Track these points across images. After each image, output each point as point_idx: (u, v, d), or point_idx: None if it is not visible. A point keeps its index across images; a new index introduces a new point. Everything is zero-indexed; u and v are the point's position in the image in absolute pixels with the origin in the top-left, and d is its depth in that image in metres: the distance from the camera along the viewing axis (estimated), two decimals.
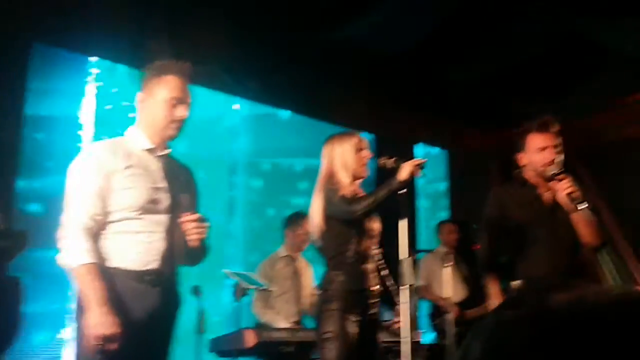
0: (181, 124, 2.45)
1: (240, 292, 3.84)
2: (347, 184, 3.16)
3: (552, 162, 3.09)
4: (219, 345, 4.13)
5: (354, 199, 3.07)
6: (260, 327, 4.41)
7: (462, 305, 5.52)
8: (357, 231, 3.14)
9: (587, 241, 3.11)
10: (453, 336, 4.67)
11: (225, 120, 6.35)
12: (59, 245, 2.26)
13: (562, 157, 3.13)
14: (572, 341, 0.68)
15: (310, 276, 4.83)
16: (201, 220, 2.40)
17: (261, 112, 6.60)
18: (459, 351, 0.75)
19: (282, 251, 4.82)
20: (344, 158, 3.19)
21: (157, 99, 2.41)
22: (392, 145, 6.16)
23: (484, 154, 7.93)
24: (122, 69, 5.29)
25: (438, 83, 6.79)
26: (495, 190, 3.34)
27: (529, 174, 3.23)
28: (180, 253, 2.45)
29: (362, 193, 3.26)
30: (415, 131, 7.45)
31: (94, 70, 5.29)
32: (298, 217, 4.76)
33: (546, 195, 3.17)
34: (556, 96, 6.72)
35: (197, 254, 2.51)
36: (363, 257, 3.17)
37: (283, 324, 4.46)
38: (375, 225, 3.28)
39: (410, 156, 3.05)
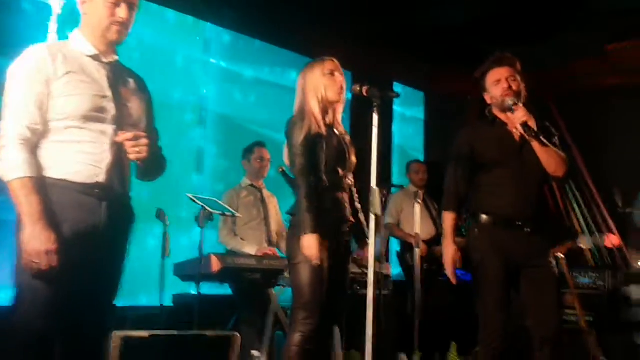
0: (123, 27, 2.30)
1: (204, 218, 3.76)
2: (317, 113, 3.08)
3: (507, 91, 3.09)
4: (183, 270, 4.09)
5: (304, 153, 3.00)
6: (225, 253, 4.37)
7: (430, 243, 5.56)
8: (328, 159, 3.07)
9: (551, 171, 3.08)
10: (420, 272, 4.69)
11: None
12: None
13: (518, 87, 3.13)
14: None
15: (276, 206, 4.84)
16: (137, 137, 2.24)
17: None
18: None
19: (245, 181, 4.79)
20: (314, 83, 3.11)
21: None
22: (370, 82, 6.07)
23: (460, 96, 7.90)
24: None
25: (415, 24, 6.67)
26: (465, 129, 3.33)
27: (496, 112, 3.21)
28: (129, 167, 2.34)
29: (339, 124, 3.20)
30: (392, 71, 7.38)
31: None
32: (252, 147, 4.78)
33: (515, 132, 3.14)
34: (535, 42, 6.66)
35: (147, 169, 2.39)
36: (336, 185, 3.12)
37: (249, 251, 4.41)
38: (352, 157, 3.23)
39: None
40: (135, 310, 4.67)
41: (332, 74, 3.13)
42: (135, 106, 2.36)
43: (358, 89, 2.98)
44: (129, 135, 2.24)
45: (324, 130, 3.08)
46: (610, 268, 6.16)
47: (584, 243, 7.65)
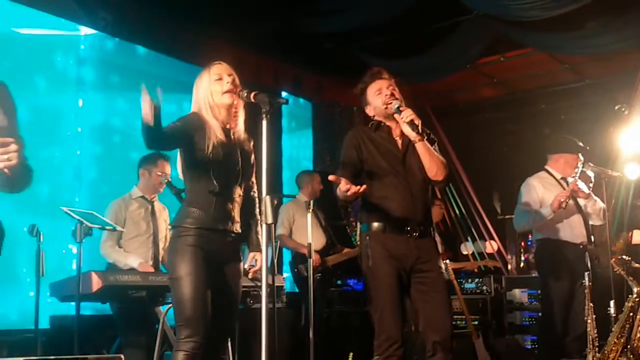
0: None
1: (82, 232, 3.48)
2: (210, 121, 2.95)
3: (390, 98, 3.16)
4: (60, 290, 3.78)
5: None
6: (107, 270, 4.10)
7: (321, 252, 5.54)
8: (215, 169, 2.93)
9: (431, 175, 3.16)
10: (313, 283, 4.62)
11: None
12: None
13: (399, 95, 3.19)
14: None
15: (166, 220, 4.54)
16: (5, 144, 2.04)
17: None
18: None
19: (136, 192, 4.49)
20: (203, 93, 3.00)
21: None
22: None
23: (348, 106, 8.01)
24: None
25: (302, 35, 6.67)
26: (352, 132, 3.33)
27: (381, 119, 3.26)
28: None
29: (237, 128, 3.07)
30: (280, 81, 7.35)
31: None
32: (155, 158, 4.44)
33: (398, 140, 3.21)
34: (412, 55, 6.84)
35: (14, 180, 2.18)
36: (225, 196, 2.98)
37: (132, 261, 4.17)
38: (248, 167, 3.09)
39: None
40: (6, 335, 4.30)
41: (219, 78, 3.01)
42: None
43: (245, 94, 2.90)
44: None
45: (217, 137, 2.95)
46: (492, 273, 6.40)
47: (466, 249, 7.96)
